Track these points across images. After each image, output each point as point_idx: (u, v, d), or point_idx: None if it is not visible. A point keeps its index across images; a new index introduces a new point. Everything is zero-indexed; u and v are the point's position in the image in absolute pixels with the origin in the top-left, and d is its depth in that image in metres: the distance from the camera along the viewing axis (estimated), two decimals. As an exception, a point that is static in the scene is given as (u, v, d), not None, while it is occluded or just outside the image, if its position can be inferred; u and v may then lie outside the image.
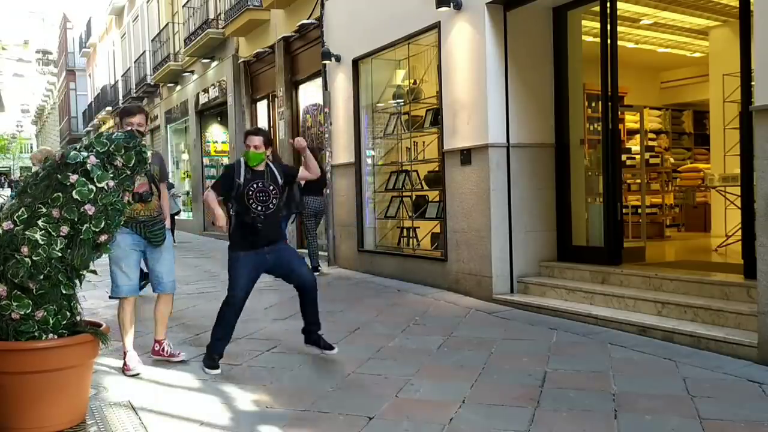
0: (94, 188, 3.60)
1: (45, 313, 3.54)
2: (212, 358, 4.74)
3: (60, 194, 3.56)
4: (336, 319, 6.51)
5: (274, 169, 4.99)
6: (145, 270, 5.24)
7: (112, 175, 3.71)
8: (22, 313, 3.49)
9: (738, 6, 5.71)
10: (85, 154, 3.66)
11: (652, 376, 4.43)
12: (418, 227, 9.17)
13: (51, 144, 55.85)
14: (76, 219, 3.55)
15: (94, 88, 36.60)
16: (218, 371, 4.67)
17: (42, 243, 3.47)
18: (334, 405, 3.95)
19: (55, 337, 3.59)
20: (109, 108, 29.92)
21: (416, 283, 8.27)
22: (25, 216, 3.53)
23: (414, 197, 9.20)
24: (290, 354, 5.20)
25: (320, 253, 11.31)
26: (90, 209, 3.57)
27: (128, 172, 3.81)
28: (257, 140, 4.89)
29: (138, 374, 4.66)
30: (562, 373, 4.54)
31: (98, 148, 3.72)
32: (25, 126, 78.15)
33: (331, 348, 5.02)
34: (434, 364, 4.85)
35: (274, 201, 4.85)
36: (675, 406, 3.81)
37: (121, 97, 27.56)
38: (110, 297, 4.89)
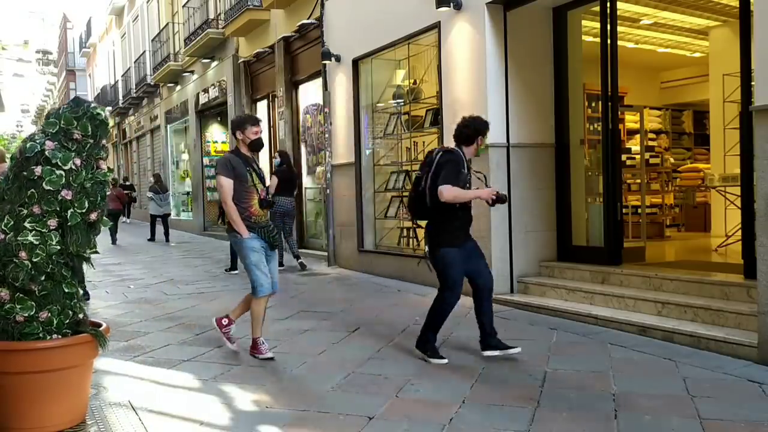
0: (62, 172, 3.51)
1: (49, 314, 3.54)
2: (435, 349, 4.89)
3: (33, 190, 3.50)
4: (336, 319, 6.51)
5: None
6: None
7: (75, 151, 3.58)
8: (26, 315, 3.48)
9: (738, 6, 5.71)
10: (41, 141, 3.55)
11: (652, 376, 4.43)
12: (419, 227, 9.16)
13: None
14: (58, 208, 3.50)
15: (94, 88, 36.62)
16: (446, 360, 4.81)
17: (37, 243, 3.45)
18: (334, 405, 3.95)
19: (59, 337, 3.59)
20: (109, 108, 29.92)
21: (416, 283, 8.26)
22: (12, 223, 3.49)
23: (414, 197, 9.17)
24: (290, 354, 5.19)
25: (320, 253, 11.35)
26: (67, 194, 3.51)
27: (92, 141, 3.65)
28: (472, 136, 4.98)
29: (272, 358, 5.00)
30: (562, 373, 4.54)
31: (50, 130, 3.60)
32: (25, 126, 78.13)
33: (512, 347, 4.93)
34: (434, 364, 4.84)
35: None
36: (675, 406, 3.81)
37: (121, 97, 27.59)
38: (257, 296, 5.06)
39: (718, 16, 9.26)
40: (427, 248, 4.97)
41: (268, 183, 5.38)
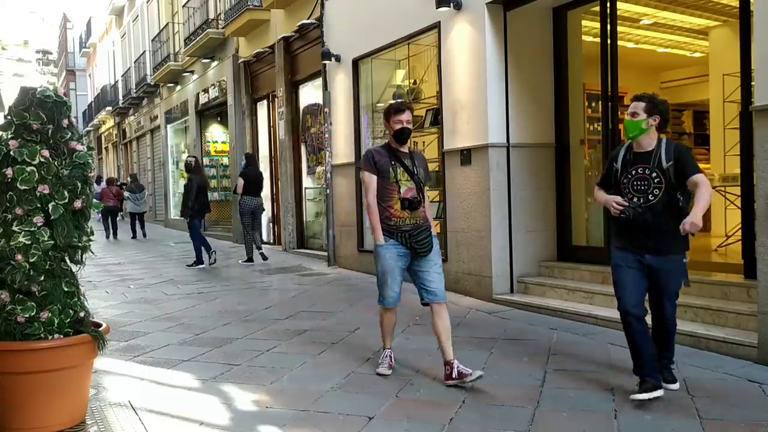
0: (33, 168, 3.45)
1: (50, 314, 3.53)
2: (646, 380, 3.85)
3: (11, 193, 3.47)
4: (336, 319, 6.51)
5: (663, 150, 3.96)
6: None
7: (40, 143, 3.50)
8: (27, 315, 3.48)
9: (738, 6, 5.71)
10: (4, 142, 3.48)
11: (652, 376, 4.42)
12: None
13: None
14: (39, 205, 3.47)
15: (94, 88, 36.61)
16: (660, 392, 3.81)
17: (30, 243, 3.44)
18: (334, 405, 3.95)
19: (61, 336, 3.59)
20: (109, 108, 29.94)
21: (416, 283, 8.25)
22: (0, 230, 3.48)
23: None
24: (290, 354, 5.19)
25: (320, 253, 11.35)
26: (44, 189, 3.46)
27: (52, 126, 3.57)
28: (638, 106, 4.03)
29: (387, 375, 4.48)
30: (562, 373, 4.54)
31: (9, 131, 3.54)
32: (25, 126, 78.04)
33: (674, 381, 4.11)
34: (434, 364, 4.84)
35: (657, 192, 3.89)
36: (675, 406, 3.81)
37: (121, 97, 27.58)
38: (381, 305, 4.61)
39: (718, 16, 9.25)
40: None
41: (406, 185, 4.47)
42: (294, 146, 12.75)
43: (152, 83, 22.10)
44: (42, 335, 3.52)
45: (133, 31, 25.91)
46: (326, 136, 10.57)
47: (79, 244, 3.62)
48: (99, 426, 3.65)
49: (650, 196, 3.89)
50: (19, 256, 3.42)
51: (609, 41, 6.64)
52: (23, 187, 3.44)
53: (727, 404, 3.85)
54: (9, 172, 3.44)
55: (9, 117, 3.57)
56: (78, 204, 3.55)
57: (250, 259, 11.13)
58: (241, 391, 4.28)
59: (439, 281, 4.48)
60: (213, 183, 17.54)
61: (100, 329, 3.74)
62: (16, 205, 3.47)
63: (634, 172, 3.95)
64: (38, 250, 3.46)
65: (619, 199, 3.96)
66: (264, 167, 14.76)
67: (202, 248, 10.85)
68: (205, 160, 18.78)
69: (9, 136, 3.54)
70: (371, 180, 4.43)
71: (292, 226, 12.71)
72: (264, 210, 11.74)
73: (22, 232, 3.45)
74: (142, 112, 25.35)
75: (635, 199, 3.91)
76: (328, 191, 10.52)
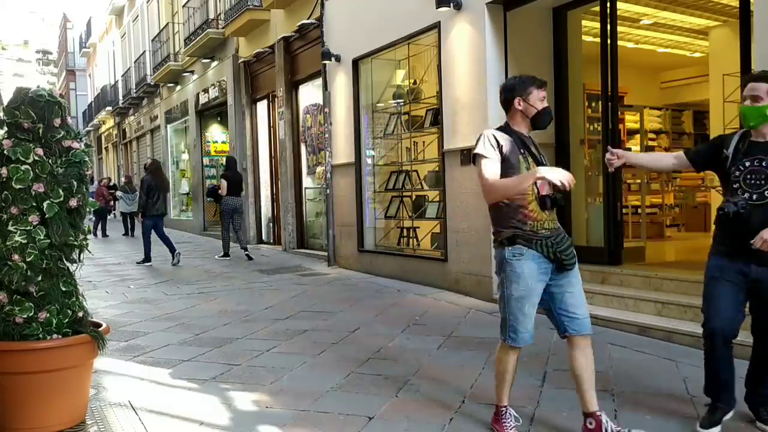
0: (28, 167, 3.44)
1: (48, 314, 3.53)
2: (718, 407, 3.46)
3: (6, 193, 3.46)
4: (336, 319, 6.51)
5: None
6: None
7: (34, 141, 3.48)
8: (25, 316, 3.48)
9: (738, 6, 5.71)
10: None
11: (652, 376, 4.42)
12: (418, 227, 9.17)
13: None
14: (35, 203, 3.45)
15: (94, 88, 36.61)
16: (730, 414, 3.46)
17: (26, 242, 3.43)
18: (334, 405, 3.95)
19: (59, 336, 3.59)
20: (109, 108, 29.93)
21: (416, 283, 8.26)
22: None
23: (414, 197, 9.20)
24: (290, 354, 5.19)
25: (320, 253, 11.36)
26: (39, 187, 3.45)
27: (42, 125, 3.53)
28: (761, 88, 3.24)
29: None
30: (562, 373, 4.53)
31: (2, 130, 3.53)
32: (25, 126, 78.06)
33: None
34: (434, 364, 4.84)
35: None
36: (675, 406, 3.81)
37: (121, 97, 27.57)
38: (507, 343, 3.46)
39: (718, 16, 9.26)
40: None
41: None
42: (294, 146, 12.75)
43: (152, 83, 22.10)
44: (40, 336, 3.52)
45: (133, 31, 25.91)
46: (326, 136, 10.57)
47: (75, 243, 3.61)
48: (99, 426, 3.65)
49: (766, 192, 3.24)
50: (16, 256, 3.41)
51: (609, 41, 6.64)
52: (18, 186, 3.43)
53: (727, 404, 3.84)
54: (3, 171, 3.44)
55: (2, 118, 3.58)
56: (73, 202, 3.55)
57: (226, 254, 11.95)
58: (241, 391, 4.28)
59: (584, 304, 3.42)
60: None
61: (99, 329, 3.74)
62: (11, 205, 3.46)
63: (748, 163, 3.30)
64: (35, 249, 3.45)
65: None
66: (264, 167, 14.80)
67: (168, 248, 11.45)
68: (205, 160, 18.79)
69: (3, 136, 3.53)
70: (494, 170, 3.26)
71: (292, 226, 12.71)
72: (243, 211, 12.73)
73: (18, 232, 3.44)
74: (142, 112, 25.35)
75: (746, 195, 3.28)
76: (328, 191, 10.52)
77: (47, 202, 3.47)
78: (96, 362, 3.94)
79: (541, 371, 4.54)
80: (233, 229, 12.01)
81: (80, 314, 3.73)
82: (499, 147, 3.32)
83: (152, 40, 21.94)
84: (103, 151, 35.09)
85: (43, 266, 3.50)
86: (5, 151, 3.45)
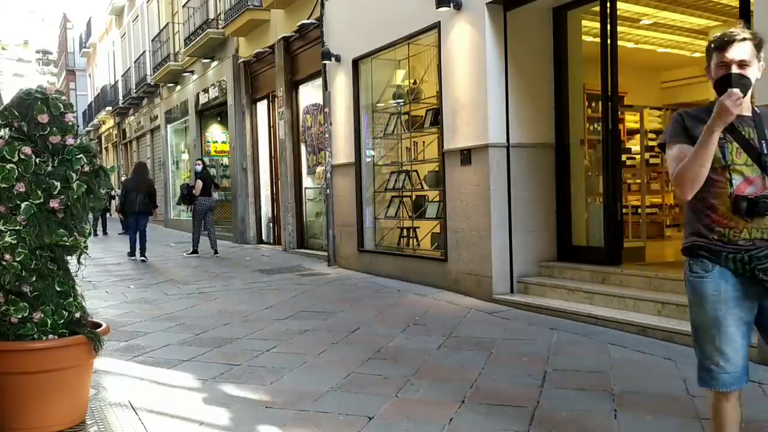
0: (13, 166, 3.41)
1: (42, 315, 3.52)
2: None
3: None
4: (336, 319, 6.51)
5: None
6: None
7: (25, 141, 3.46)
8: (20, 316, 3.47)
9: (738, 6, 5.71)
10: None
11: (652, 376, 4.42)
12: (418, 227, 9.17)
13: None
14: (18, 203, 3.42)
15: (94, 88, 36.62)
16: None
17: (16, 242, 3.41)
18: (334, 405, 3.95)
19: (55, 337, 3.58)
20: (109, 108, 29.94)
21: (416, 283, 8.26)
22: None
23: (414, 197, 9.20)
24: (290, 354, 5.19)
25: (320, 253, 11.36)
26: (21, 187, 3.42)
27: (25, 123, 3.49)
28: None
29: None
30: (562, 373, 4.53)
31: (3, 120, 3.53)
32: (25, 126, 78.03)
33: None
34: (434, 364, 4.84)
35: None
36: (675, 406, 3.81)
37: (121, 97, 27.58)
38: (701, 386, 2.67)
39: (718, 16, 9.25)
40: None
41: None
42: (294, 146, 12.75)
43: (152, 83, 22.10)
44: (35, 336, 3.51)
45: (133, 31, 25.91)
46: (326, 136, 10.57)
47: (67, 243, 3.55)
48: (99, 426, 3.65)
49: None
50: (7, 256, 3.40)
51: (609, 41, 6.64)
52: (3, 185, 3.41)
53: (727, 404, 3.84)
54: None
55: None
56: (54, 204, 3.46)
57: (195, 251, 12.67)
58: (241, 391, 4.28)
59: None
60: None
61: (99, 329, 3.74)
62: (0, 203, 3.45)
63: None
64: (24, 248, 3.43)
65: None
66: (264, 167, 14.81)
67: (140, 245, 12.17)
68: (206, 160, 18.78)
69: (4, 138, 3.54)
70: (679, 155, 2.51)
71: (292, 226, 12.71)
72: (215, 209, 13.68)
73: (8, 232, 3.43)
74: (142, 112, 25.35)
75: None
76: (328, 191, 10.52)
77: (26, 203, 3.43)
78: (96, 362, 3.94)
79: (541, 371, 4.54)
80: (206, 227, 12.86)
81: (77, 315, 3.70)
82: (686, 129, 2.58)
83: (152, 40, 21.94)
84: (103, 151, 35.10)
85: (32, 267, 3.47)
86: None
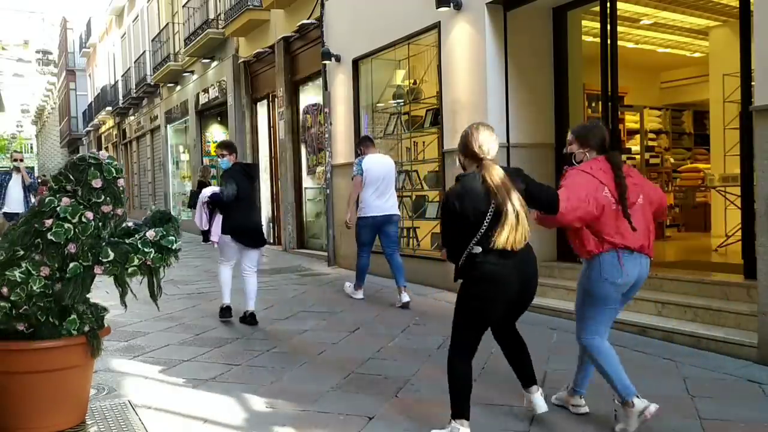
0: (70, 226, 3.48)
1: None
2: None
3: (39, 240, 3.49)
4: (336, 319, 6.51)
5: None
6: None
7: (83, 206, 3.53)
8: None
9: (738, 6, 5.71)
10: (58, 198, 3.55)
11: (652, 376, 4.42)
12: (418, 227, 9.17)
13: (51, 144, 55.86)
14: (58, 265, 3.48)
15: (94, 88, 36.61)
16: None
17: (20, 281, 3.42)
18: (334, 405, 3.95)
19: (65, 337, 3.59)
20: (109, 108, 29.94)
21: (416, 283, 8.26)
22: (4, 258, 3.47)
23: (414, 197, 9.20)
24: (290, 354, 5.19)
25: (320, 253, 11.35)
26: (72, 247, 3.49)
27: (80, 188, 3.56)
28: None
29: None
30: (562, 373, 4.53)
31: (57, 184, 3.60)
32: (25, 126, 78.10)
33: None
34: (434, 364, 4.84)
35: None
36: (675, 406, 3.81)
37: (121, 97, 27.58)
38: None
39: (718, 16, 9.26)
40: None
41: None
42: (294, 146, 12.75)
43: (152, 83, 22.10)
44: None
45: (133, 31, 25.91)
46: (326, 136, 10.57)
47: (72, 316, 3.60)
48: (99, 426, 3.65)
49: None
50: (4, 289, 3.42)
51: (609, 41, 6.64)
52: (51, 238, 3.46)
53: (727, 404, 3.85)
54: (48, 222, 3.48)
55: (50, 184, 3.66)
56: (98, 270, 3.57)
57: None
58: (241, 391, 4.28)
59: None
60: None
61: (100, 330, 3.74)
62: (37, 252, 3.48)
63: None
64: (23, 291, 3.43)
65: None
66: (264, 167, 14.81)
67: None
68: (205, 160, 18.78)
69: (62, 194, 3.58)
70: None
71: (292, 226, 12.71)
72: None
73: (24, 270, 3.44)
74: (142, 112, 25.35)
75: None
76: (328, 191, 10.52)
77: (74, 263, 3.49)
78: (96, 362, 3.94)
79: (541, 371, 4.54)
80: None
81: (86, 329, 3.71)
82: None
83: (152, 41, 21.94)
84: (103, 151, 35.06)
85: (22, 312, 3.47)
86: (57, 208, 3.51)
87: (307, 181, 12.69)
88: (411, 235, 9.26)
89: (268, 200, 14.75)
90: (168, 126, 21.95)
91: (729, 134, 8.36)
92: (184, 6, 18.13)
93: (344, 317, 6.57)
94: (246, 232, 6.50)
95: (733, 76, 6.47)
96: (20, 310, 3.46)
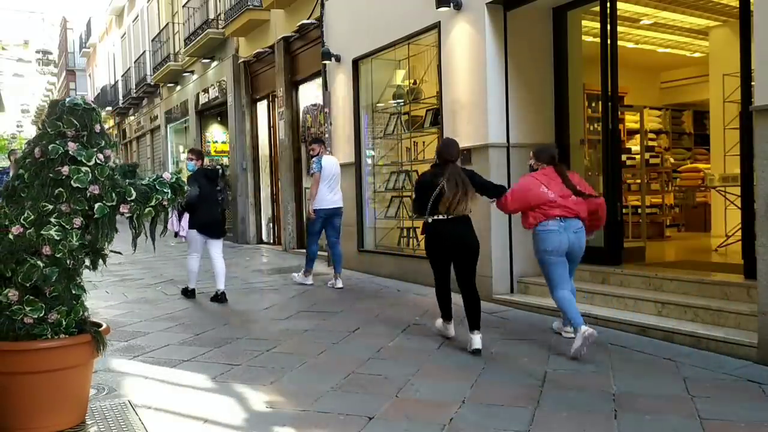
0: (88, 169, 3.52)
1: (58, 315, 3.55)
2: None
3: (61, 189, 3.50)
4: (336, 319, 6.51)
5: None
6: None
7: (97, 147, 3.57)
8: (36, 316, 3.49)
9: (738, 6, 5.71)
10: (61, 143, 3.54)
11: (652, 376, 4.43)
12: (418, 227, 9.16)
13: (51, 144, 55.75)
14: (86, 207, 3.52)
15: (94, 88, 36.61)
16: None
17: (59, 239, 3.45)
18: (334, 405, 3.95)
19: (66, 336, 3.59)
20: (109, 108, 29.94)
21: (416, 283, 8.27)
22: (32, 217, 3.47)
23: (414, 197, 9.18)
24: (290, 354, 5.19)
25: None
26: (95, 189, 3.52)
27: (86, 132, 3.59)
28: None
29: None
30: (562, 373, 4.54)
31: (54, 129, 3.58)
32: (25, 126, 78.11)
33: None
34: (434, 364, 4.85)
35: None
36: (675, 406, 3.81)
37: (121, 97, 27.58)
38: None
39: (718, 16, 9.26)
40: None
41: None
42: (294, 146, 12.75)
43: (152, 83, 22.10)
44: (49, 335, 3.53)
45: (133, 31, 25.91)
46: (326, 136, 10.57)
47: (105, 252, 3.71)
48: (99, 426, 3.65)
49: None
50: (47, 248, 3.43)
51: (609, 41, 6.64)
52: (76, 185, 3.49)
53: (727, 404, 3.85)
54: (65, 169, 3.50)
55: (43, 128, 3.63)
56: (125, 209, 3.62)
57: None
58: (241, 391, 4.28)
59: None
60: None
61: (100, 329, 3.74)
62: (63, 201, 3.50)
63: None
64: (65, 247, 3.47)
65: None
66: (264, 167, 14.81)
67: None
68: (206, 160, 18.77)
69: (65, 140, 3.57)
70: None
71: (292, 226, 12.70)
72: None
73: (57, 226, 3.46)
74: (142, 112, 25.35)
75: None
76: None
77: (99, 203, 3.53)
78: (96, 362, 3.94)
79: (541, 371, 4.54)
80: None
81: (86, 314, 3.74)
82: None
83: (152, 41, 21.94)
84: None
85: (68, 266, 3.52)
86: (70, 151, 3.52)
87: (307, 181, 12.68)
88: (411, 236, 9.26)
89: (268, 200, 14.75)
90: (168, 126, 21.94)
91: (729, 134, 8.36)
92: (184, 6, 18.13)
93: (344, 317, 6.57)
94: (209, 225, 7.71)
95: (733, 76, 6.47)
96: (65, 264, 3.49)
